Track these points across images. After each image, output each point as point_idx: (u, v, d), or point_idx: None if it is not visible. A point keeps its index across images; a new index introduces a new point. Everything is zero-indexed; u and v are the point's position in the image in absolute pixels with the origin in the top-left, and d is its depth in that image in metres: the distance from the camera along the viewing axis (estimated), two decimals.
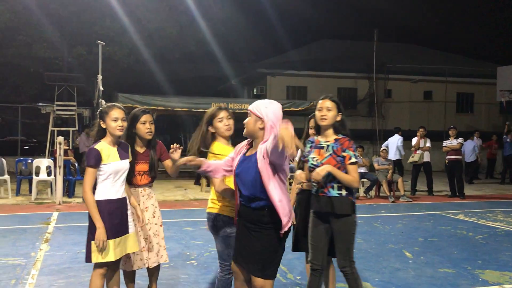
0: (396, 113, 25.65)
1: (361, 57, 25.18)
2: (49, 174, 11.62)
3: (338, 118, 3.73)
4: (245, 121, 3.33)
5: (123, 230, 3.70)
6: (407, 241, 7.23)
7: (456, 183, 12.61)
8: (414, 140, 12.98)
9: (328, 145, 3.69)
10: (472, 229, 8.29)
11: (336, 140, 3.68)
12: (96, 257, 3.56)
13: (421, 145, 12.82)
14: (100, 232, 3.51)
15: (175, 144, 3.74)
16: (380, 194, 12.43)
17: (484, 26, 49.97)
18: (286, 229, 3.18)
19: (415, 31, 47.76)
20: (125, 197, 3.79)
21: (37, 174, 11.53)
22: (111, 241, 3.59)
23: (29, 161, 12.41)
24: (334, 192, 3.62)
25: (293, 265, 5.69)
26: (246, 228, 3.27)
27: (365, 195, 12.28)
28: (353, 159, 3.61)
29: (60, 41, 19.51)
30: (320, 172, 3.52)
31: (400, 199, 11.77)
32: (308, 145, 3.84)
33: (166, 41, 20.81)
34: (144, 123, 4.02)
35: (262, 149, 3.17)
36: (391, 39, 32.57)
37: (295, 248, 4.21)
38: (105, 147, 3.66)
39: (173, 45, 21.57)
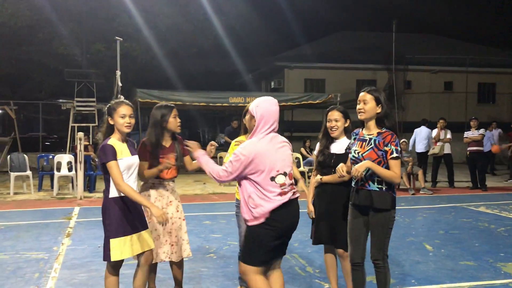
0: (416, 105, 25.34)
1: (380, 49, 24.90)
2: (70, 169, 11.79)
3: (378, 111, 3.64)
4: None
5: (139, 226, 3.69)
6: (428, 233, 7.16)
7: (478, 174, 12.44)
8: (434, 132, 12.82)
9: (370, 138, 3.66)
10: (494, 221, 8.17)
11: (379, 133, 3.64)
12: (115, 255, 3.55)
13: (442, 136, 12.65)
14: (155, 210, 3.53)
15: (213, 141, 3.95)
16: (400, 187, 12.32)
17: (505, 15, 48.99)
18: (248, 223, 3.38)
19: (435, 21, 46.94)
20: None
21: (58, 169, 11.71)
22: (127, 238, 3.60)
23: (51, 157, 12.59)
24: (374, 186, 3.60)
25: (312, 258, 5.69)
26: None
27: None
28: (395, 154, 3.55)
29: (79, 38, 19.74)
30: (359, 168, 3.49)
31: (420, 192, 11.65)
32: (353, 137, 3.86)
33: (183, 36, 20.89)
34: (175, 117, 4.10)
35: None
36: (411, 30, 32.12)
37: (317, 241, 4.20)
38: (116, 143, 3.65)
39: (190, 40, 21.64)
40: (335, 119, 4.11)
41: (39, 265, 5.47)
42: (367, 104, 3.63)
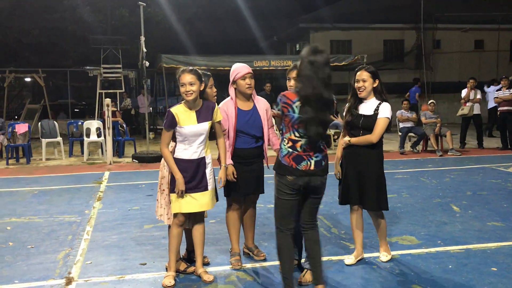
0: (445, 65, 24.71)
1: (408, 7, 24.16)
2: (99, 135, 12.01)
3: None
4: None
5: (199, 187, 3.88)
6: (455, 195, 7.11)
7: (508, 135, 12.19)
8: (464, 92, 12.54)
9: None
10: None
11: None
12: (174, 208, 3.86)
13: (471, 97, 12.37)
14: (179, 182, 3.77)
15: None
16: (428, 148, 12.19)
17: None
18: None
19: None
20: (203, 157, 3.92)
21: (88, 135, 11.95)
22: (186, 195, 3.83)
23: (80, 123, 12.85)
24: None
25: (338, 220, 5.73)
26: None
27: (412, 149, 12.06)
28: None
29: (102, 4, 19.71)
30: None
31: (448, 153, 11.50)
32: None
33: (203, 1, 20.66)
34: (211, 87, 4.14)
35: None
36: None
37: (345, 202, 4.25)
38: (181, 110, 3.81)
39: (216, 2, 21.40)
40: (363, 79, 4.06)
41: (72, 227, 5.66)
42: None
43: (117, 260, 4.52)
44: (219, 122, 4.00)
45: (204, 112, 3.87)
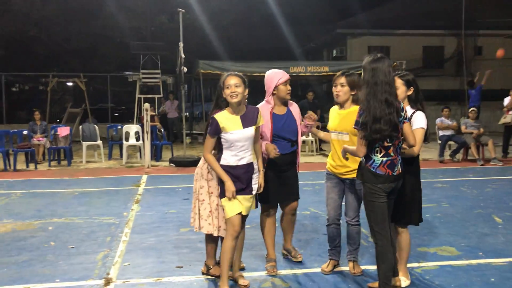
0: None
1: (448, 13, 23.70)
2: (137, 139, 12.23)
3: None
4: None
5: (246, 191, 3.88)
6: (497, 205, 6.89)
7: None
8: (507, 100, 12.17)
9: None
10: None
11: None
12: (229, 212, 3.82)
13: None
14: (229, 184, 3.76)
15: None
16: (468, 157, 11.88)
17: None
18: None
19: None
20: (251, 163, 3.89)
21: (127, 139, 12.19)
22: (237, 197, 3.82)
23: (119, 127, 13.12)
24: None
25: None
26: None
27: (450, 158, 11.78)
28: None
29: (143, 11, 20.14)
30: None
31: (490, 162, 11.17)
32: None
33: (245, 4, 20.80)
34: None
35: None
36: None
37: None
38: (224, 116, 3.80)
39: (252, 8, 21.53)
40: (396, 86, 3.98)
41: (110, 229, 5.78)
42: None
43: (154, 262, 4.59)
44: (259, 127, 3.98)
45: (249, 117, 3.85)
